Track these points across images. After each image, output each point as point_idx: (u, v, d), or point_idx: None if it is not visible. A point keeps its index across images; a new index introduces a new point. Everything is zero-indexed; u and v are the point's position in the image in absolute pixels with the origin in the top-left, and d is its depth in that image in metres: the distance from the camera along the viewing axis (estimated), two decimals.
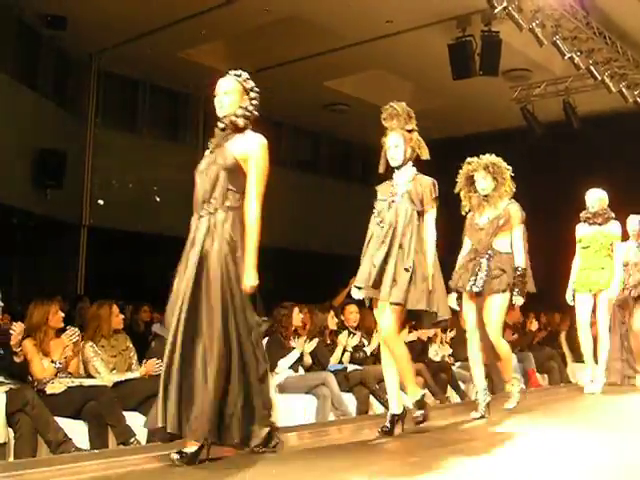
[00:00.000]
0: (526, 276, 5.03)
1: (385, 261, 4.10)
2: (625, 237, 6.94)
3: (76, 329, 5.22)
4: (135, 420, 4.84)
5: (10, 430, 4.39)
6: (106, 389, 4.94)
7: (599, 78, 9.52)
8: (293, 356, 6.30)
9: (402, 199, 4.23)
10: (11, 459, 4.28)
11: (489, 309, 4.99)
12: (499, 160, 5.13)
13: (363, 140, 14.08)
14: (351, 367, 6.71)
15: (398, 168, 4.34)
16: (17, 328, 4.73)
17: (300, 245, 13.48)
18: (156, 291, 8.64)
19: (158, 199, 11.56)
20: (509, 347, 5.29)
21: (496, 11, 8.04)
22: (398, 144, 4.30)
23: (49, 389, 4.78)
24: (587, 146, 11.08)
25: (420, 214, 4.23)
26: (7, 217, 9.72)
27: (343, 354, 6.82)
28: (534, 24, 8.35)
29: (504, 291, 4.96)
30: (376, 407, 6.49)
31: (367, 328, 7.21)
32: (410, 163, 4.37)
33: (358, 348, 6.92)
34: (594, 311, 6.55)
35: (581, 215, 6.65)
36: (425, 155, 4.38)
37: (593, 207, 6.48)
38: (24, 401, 4.40)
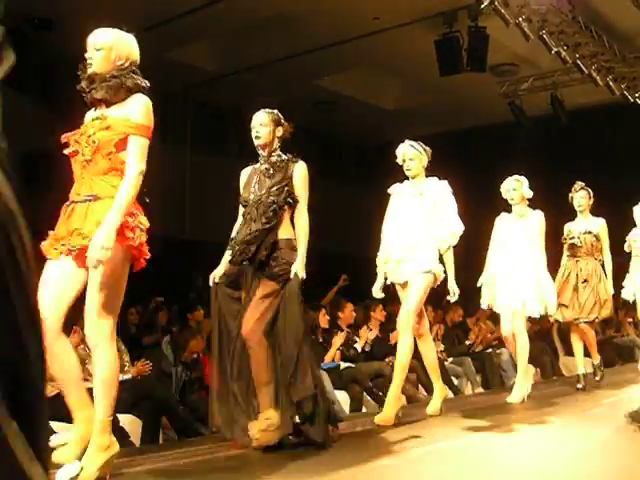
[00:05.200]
0: None
1: None
2: None
3: None
4: (129, 422, 4.84)
5: None
6: None
7: (586, 72, 9.58)
8: None
9: None
10: None
11: None
12: None
13: (354, 138, 14.14)
14: (343, 365, 6.72)
15: None
16: None
17: None
18: (147, 293, 8.64)
19: (148, 200, 11.51)
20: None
21: (482, 6, 8.09)
22: None
23: None
24: (574, 139, 11.12)
25: None
26: None
27: None
28: (520, 19, 8.39)
29: None
30: (369, 404, 6.50)
31: (356, 325, 7.24)
32: None
33: (349, 345, 6.93)
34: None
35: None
36: None
37: None
38: None
